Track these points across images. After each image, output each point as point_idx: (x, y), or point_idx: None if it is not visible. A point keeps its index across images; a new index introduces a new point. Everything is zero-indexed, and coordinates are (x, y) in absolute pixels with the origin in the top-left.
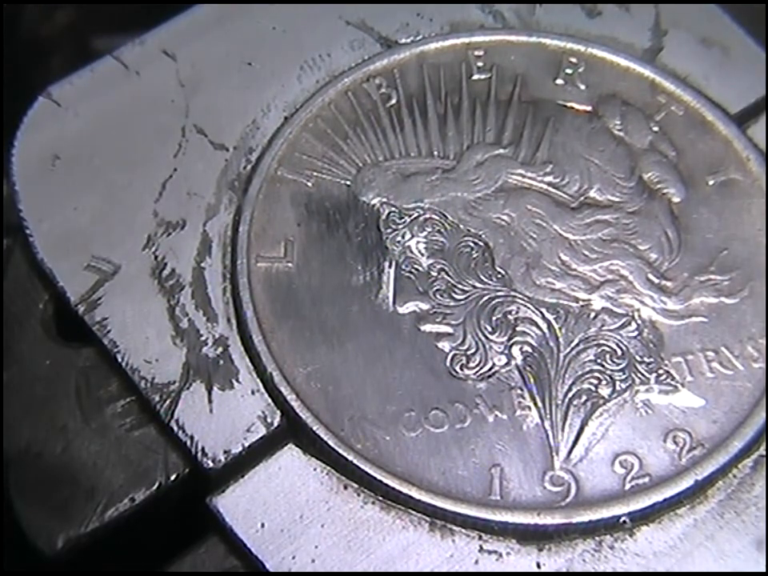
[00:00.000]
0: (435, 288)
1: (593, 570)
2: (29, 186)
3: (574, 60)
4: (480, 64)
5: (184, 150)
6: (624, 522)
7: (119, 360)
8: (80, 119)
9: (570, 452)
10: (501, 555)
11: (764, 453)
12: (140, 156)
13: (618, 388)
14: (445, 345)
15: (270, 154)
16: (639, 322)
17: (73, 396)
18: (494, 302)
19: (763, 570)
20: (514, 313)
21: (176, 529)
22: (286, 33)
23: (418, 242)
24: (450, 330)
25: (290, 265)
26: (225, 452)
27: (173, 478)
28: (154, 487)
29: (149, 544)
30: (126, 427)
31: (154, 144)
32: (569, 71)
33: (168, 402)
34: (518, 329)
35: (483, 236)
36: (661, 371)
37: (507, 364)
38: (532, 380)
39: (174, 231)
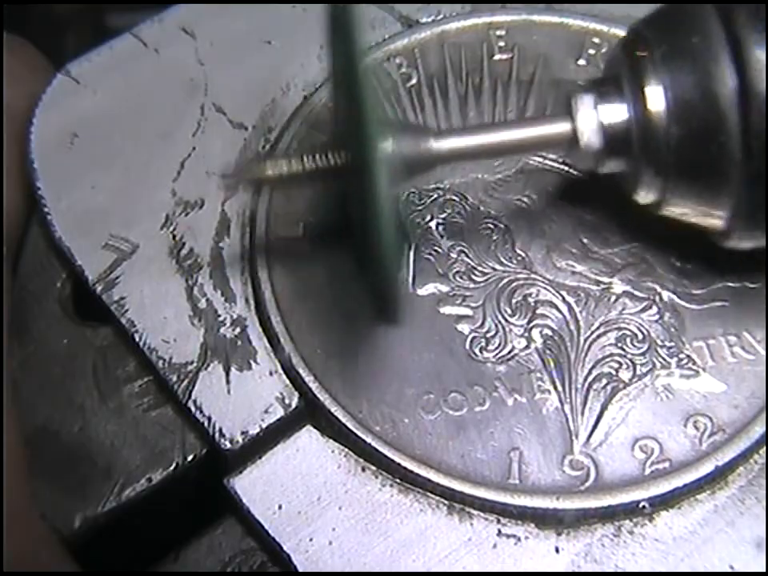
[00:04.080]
0: (455, 270)
1: (612, 555)
2: (47, 164)
3: (596, 41)
4: (502, 44)
5: (203, 129)
6: (643, 507)
7: (137, 339)
8: (99, 97)
9: (589, 436)
10: (519, 539)
11: None
12: (158, 134)
13: (638, 372)
14: (464, 327)
15: (289, 133)
16: (660, 305)
17: (90, 375)
18: (513, 285)
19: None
20: (534, 295)
21: (193, 509)
22: (306, 11)
23: (437, 224)
24: (469, 312)
25: (309, 245)
26: (242, 433)
27: (190, 458)
28: (171, 467)
29: (166, 524)
30: (144, 407)
31: (173, 122)
32: (591, 52)
33: (186, 382)
34: (537, 311)
35: (503, 218)
36: (682, 355)
37: (527, 347)
38: (552, 363)
39: (193, 210)
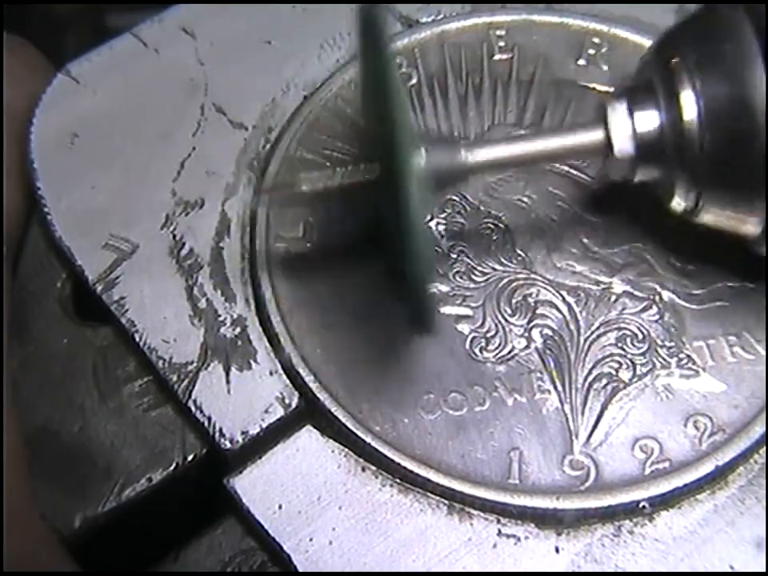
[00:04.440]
0: (455, 270)
1: (612, 555)
2: (47, 164)
3: (596, 40)
4: (502, 44)
5: (203, 129)
6: (643, 506)
7: (137, 339)
8: (99, 97)
9: (589, 436)
10: (519, 539)
11: None
12: (158, 134)
13: (638, 372)
14: (464, 327)
15: (290, 133)
16: (660, 305)
17: (90, 375)
18: (513, 285)
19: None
20: (534, 296)
21: (193, 509)
22: (306, 11)
23: (437, 224)
24: (469, 312)
25: (309, 245)
26: (242, 433)
27: (190, 458)
28: (172, 467)
29: (166, 524)
30: (144, 407)
31: (173, 122)
32: (591, 51)
33: (186, 382)
34: (537, 311)
35: (503, 218)
36: (682, 355)
37: (527, 347)
38: (552, 363)
39: (193, 210)
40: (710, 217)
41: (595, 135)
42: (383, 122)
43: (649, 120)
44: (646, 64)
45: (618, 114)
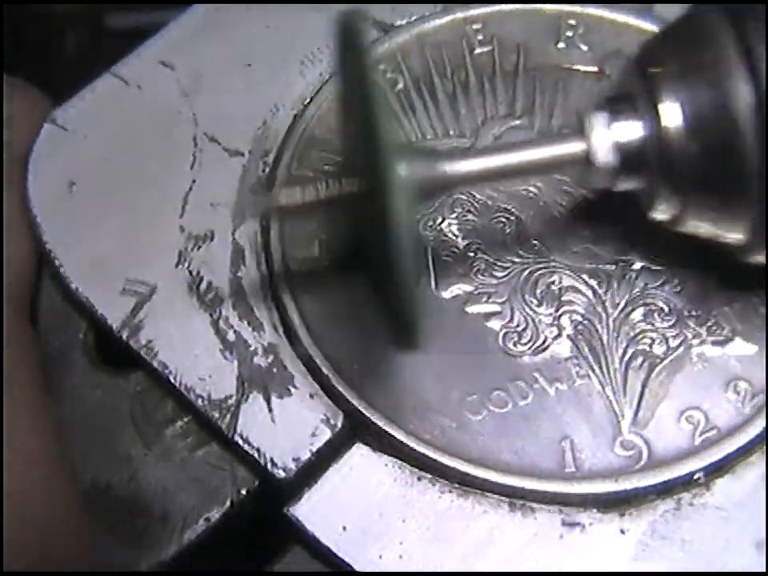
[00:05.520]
0: (475, 268)
1: (678, 529)
2: (49, 216)
3: (572, 22)
4: (480, 37)
5: (199, 161)
6: (698, 477)
7: (172, 381)
8: (90, 142)
9: (635, 415)
10: (584, 526)
11: None
12: (156, 172)
13: (671, 345)
14: (494, 324)
15: (287, 154)
16: (680, 275)
17: (130, 423)
18: (535, 275)
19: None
20: (557, 283)
21: (256, 544)
22: (280, 29)
23: (450, 224)
24: (497, 308)
25: (326, 263)
26: (294, 459)
27: (244, 492)
28: (227, 504)
29: (231, 563)
30: (189, 447)
31: (169, 157)
32: (569, 34)
33: (228, 416)
34: (563, 298)
35: (514, 210)
36: (710, 323)
37: (558, 335)
38: (586, 348)
39: (204, 244)
40: (693, 226)
41: (577, 146)
42: (364, 133)
43: (630, 130)
44: (627, 74)
45: (599, 125)
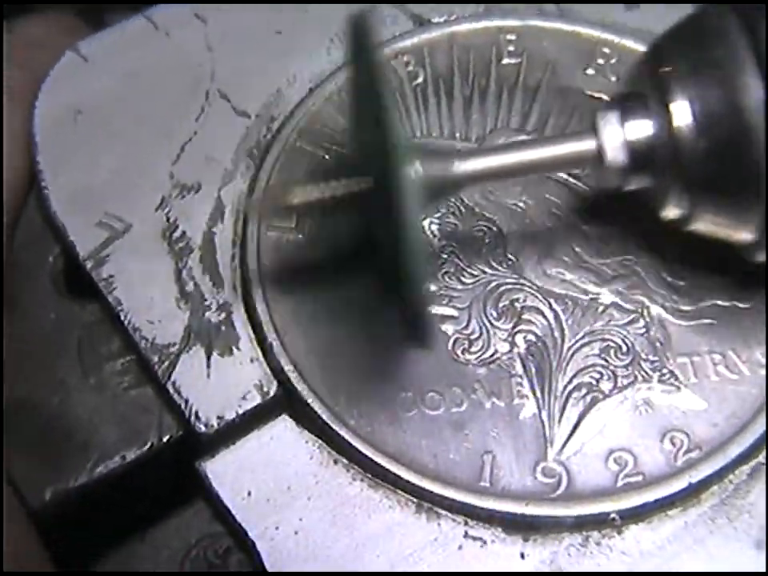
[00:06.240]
0: (444, 270)
1: (577, 564)
2: (49, 139)
3: (607, 50)
4: (511, 48)
5: (206, 114)
6: (613, 518)
7: (122, 318)
8: (106, 76)
9: (564, 444)
10: (485, 542)
11: (763, 461)
12: (162, 117)
13: (619, 384)
14: (448, 328)
15: (291, 124)
16: (648, 319)
17: (74, 351)
18: (501, 289)
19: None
20: (521, 301)
21: (165, 491)
22: (319, 6)
23: (431, 223)
24: (455, 313)
25: (300, 236)
26: (218, 417)
27: (165, 439)
28: (146, 447)
29: (136, 503)
30: (124, 385)
31: (177, 106)
32: (600, 61)
33: (166, 363)
34: (523, 317)
35: (497, 221)
36: (665, 370)
37: (509, 351)
38: (533, 369)
39: (189, 194)
40: (703, 224)
41: (587, 144)
42: (375, 133)
43: (641, 129)
44: (638, 72)
45: (609, 123)
